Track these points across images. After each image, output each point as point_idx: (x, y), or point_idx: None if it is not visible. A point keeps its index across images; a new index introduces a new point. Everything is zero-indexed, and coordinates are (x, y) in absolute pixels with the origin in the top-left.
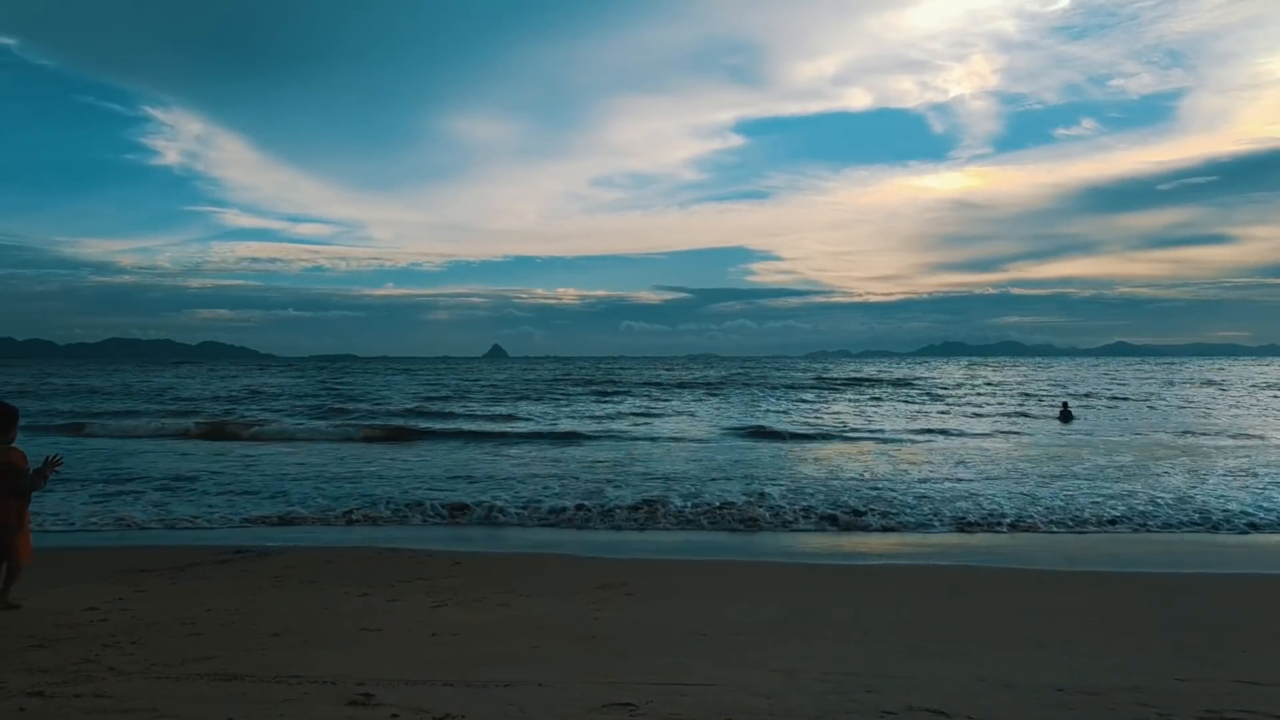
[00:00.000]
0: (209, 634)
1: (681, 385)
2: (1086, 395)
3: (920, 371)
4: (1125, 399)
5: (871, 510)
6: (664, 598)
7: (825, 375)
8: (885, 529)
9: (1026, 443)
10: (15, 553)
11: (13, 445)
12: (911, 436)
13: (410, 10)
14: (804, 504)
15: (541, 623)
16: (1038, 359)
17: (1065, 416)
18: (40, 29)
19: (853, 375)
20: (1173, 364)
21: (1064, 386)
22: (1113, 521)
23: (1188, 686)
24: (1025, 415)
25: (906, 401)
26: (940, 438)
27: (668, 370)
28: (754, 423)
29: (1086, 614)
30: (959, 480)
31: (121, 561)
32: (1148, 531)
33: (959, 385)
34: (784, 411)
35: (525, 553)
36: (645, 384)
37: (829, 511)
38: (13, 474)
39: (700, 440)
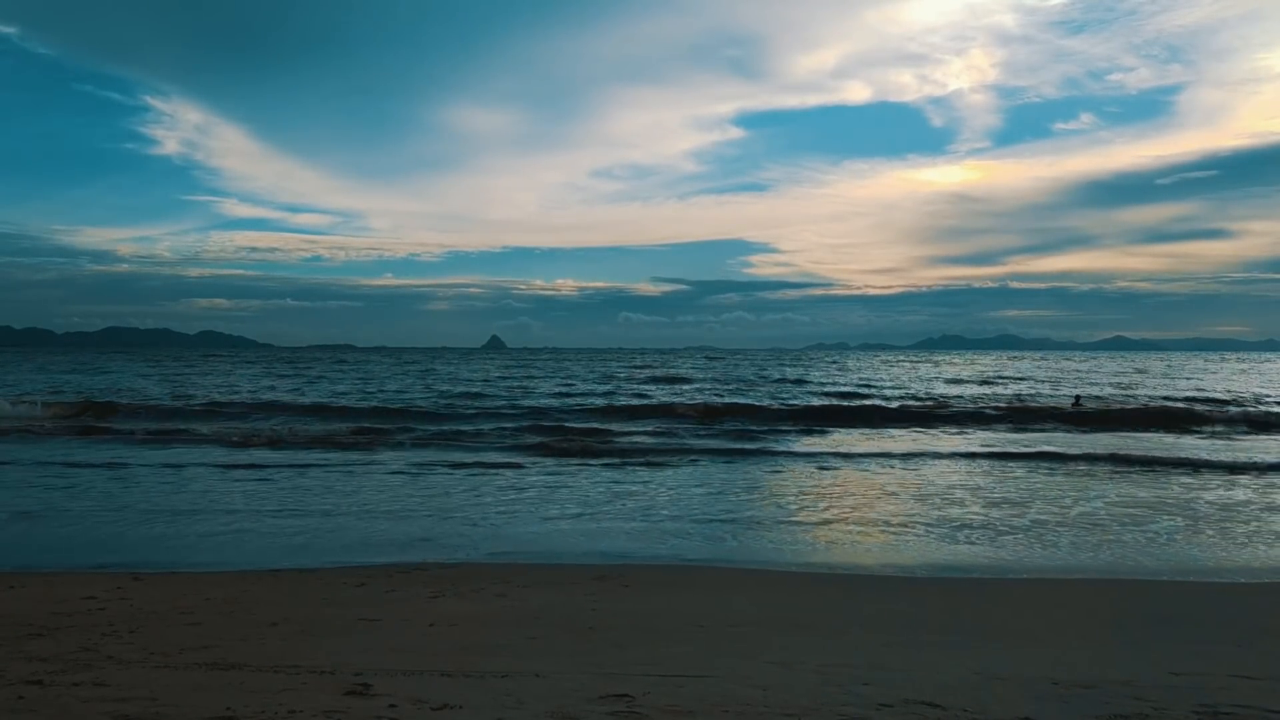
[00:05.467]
0: (207, 623)
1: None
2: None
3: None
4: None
5: None
6: (661, 589)
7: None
8: None
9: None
10: None
11: None
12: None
13: (410, 0)
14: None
15: (539, 614)
16: (1037, 352)
17: (1078, 410)
18: (40, 17)
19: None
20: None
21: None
22: None
23: (1182, 680)
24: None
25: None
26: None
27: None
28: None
29: (1081, 609)
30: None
31: None
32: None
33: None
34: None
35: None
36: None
37: None
38: None
39: None
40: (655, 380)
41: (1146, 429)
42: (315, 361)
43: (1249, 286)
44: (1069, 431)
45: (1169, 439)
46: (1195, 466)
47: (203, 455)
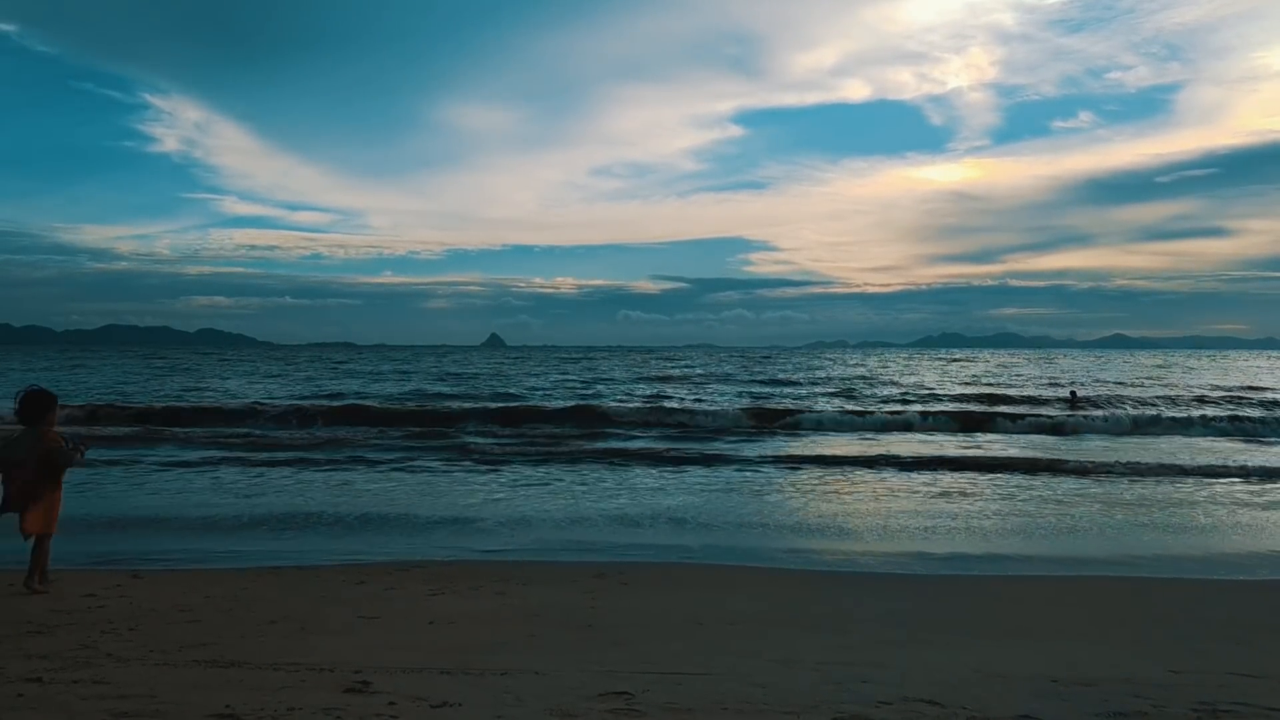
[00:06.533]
0: (207, 621)
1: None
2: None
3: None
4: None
5: None
6: (660, 587)
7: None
8: None
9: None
10: (39, 525)
11: (53, 428)
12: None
13: None
14: None
15: (538, 611)
16: (1037, 350)
17: (1074, 403)
18: (40, 15)
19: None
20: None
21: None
22: None
23: (1182, 678)
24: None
25: None
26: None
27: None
28: None
29: (1080, 607)
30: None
31: None
32: None
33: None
34: None
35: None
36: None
37: None
38: (45, 453)
39: None
40: (646, 380)
41: (1147, 431)
42: (306, 361)
43: (1247, 285)
44: (1068, 433)
45: (1171, 440)
46: (1193, 470)
47: (166, 455)
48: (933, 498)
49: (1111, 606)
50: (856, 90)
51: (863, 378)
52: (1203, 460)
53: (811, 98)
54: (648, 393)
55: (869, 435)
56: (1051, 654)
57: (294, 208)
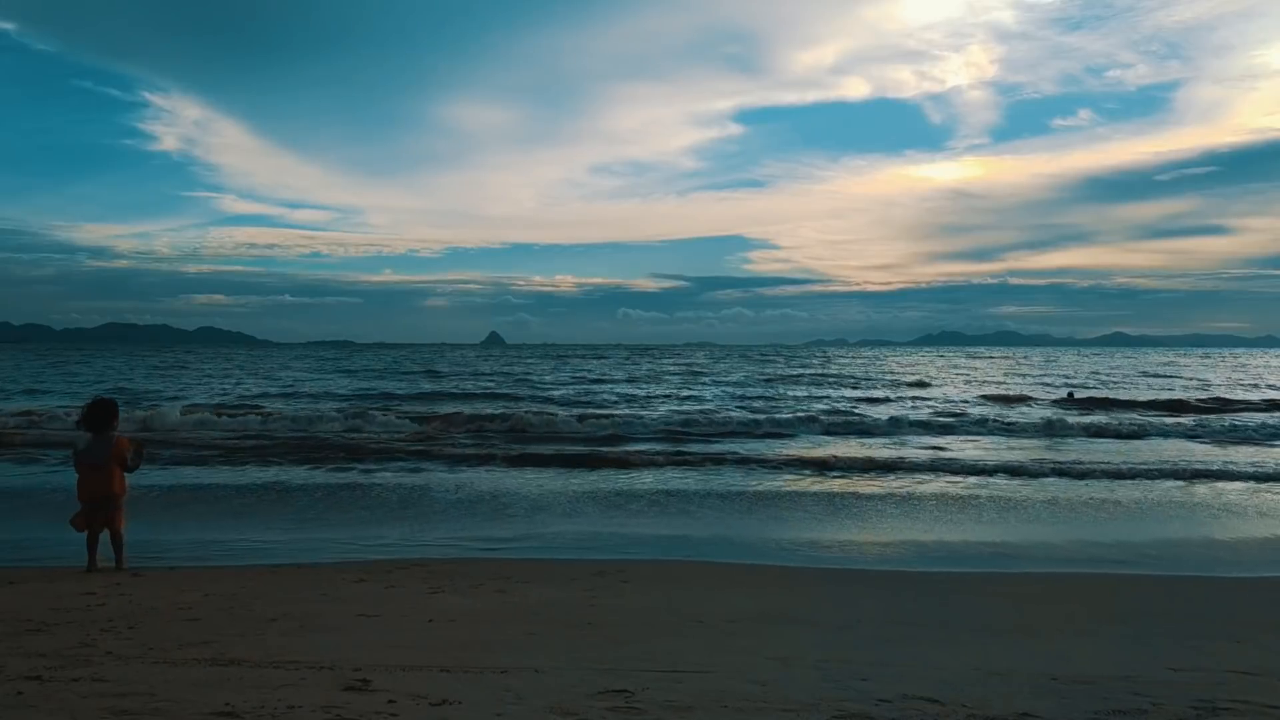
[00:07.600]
0: (206, 619)
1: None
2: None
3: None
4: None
5: None
6: (660, 585)
7: None
8: None
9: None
10: (118, 521)
11: (117, 433)
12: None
13: None
14: None
15: (538, 609)
16: (1037, 349)
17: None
18: (40, 13)
19: None
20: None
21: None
22: None
23: (1181, 676)
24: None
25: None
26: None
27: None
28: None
29: (1079, 605)
30: None
31: None
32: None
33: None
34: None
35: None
36: None
37: None
38: (121, 456)
39: None
40: (643, 379)
41: (1145, 432)
42: (294, 359)
43: (1247, 283)
44: (1065, 434)
45: (1170, 441)
46: (1192, 471)
47: (167, 454)
48: (931, 497)
49: (1110, 604)
50: (856, 88)
51: (860, 376)
52: (1202, 461)
53: (811, 96)
54: (645, 392)
55: (866, 436)
56: (1051, 652)
57: (293, 206)
